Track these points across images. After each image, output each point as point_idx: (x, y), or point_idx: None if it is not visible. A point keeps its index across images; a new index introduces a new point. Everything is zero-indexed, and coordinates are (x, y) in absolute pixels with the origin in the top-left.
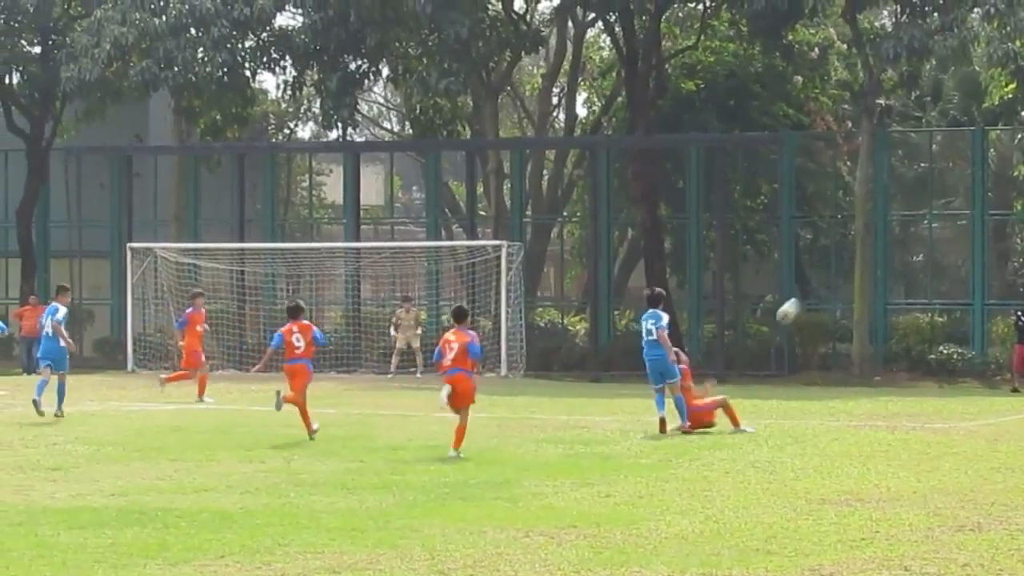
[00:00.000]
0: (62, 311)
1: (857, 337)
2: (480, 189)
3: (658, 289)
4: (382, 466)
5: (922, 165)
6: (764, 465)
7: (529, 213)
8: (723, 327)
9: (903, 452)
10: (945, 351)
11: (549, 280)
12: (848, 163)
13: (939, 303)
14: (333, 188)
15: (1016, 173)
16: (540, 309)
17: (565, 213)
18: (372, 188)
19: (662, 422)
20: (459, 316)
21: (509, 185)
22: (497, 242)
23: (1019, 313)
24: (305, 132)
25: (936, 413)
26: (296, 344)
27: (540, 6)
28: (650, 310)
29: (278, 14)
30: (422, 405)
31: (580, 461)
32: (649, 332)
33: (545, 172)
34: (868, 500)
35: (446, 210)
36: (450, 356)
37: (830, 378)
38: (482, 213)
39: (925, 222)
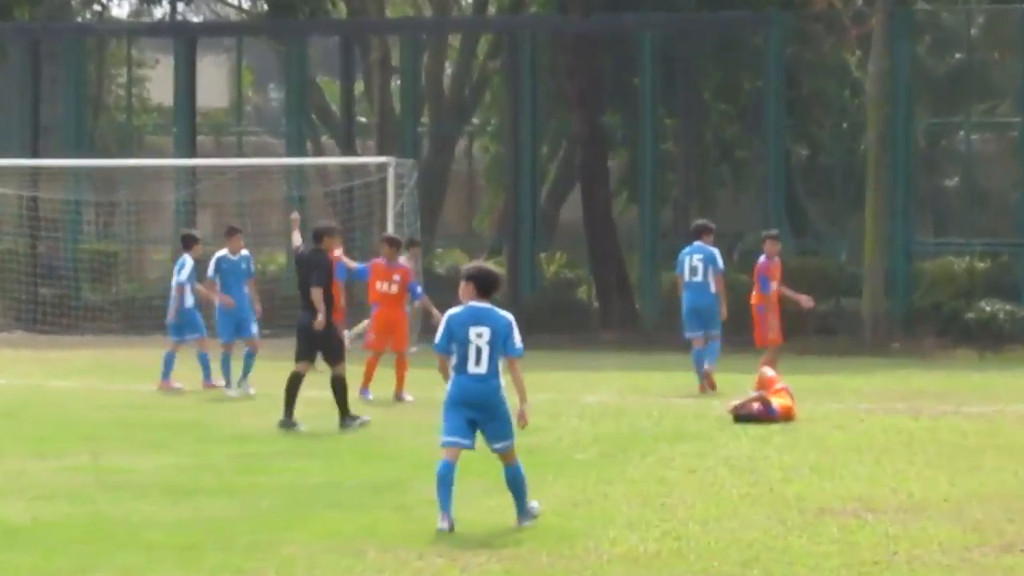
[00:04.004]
0: None
1: (869, 289)
2: (360, 88)
3: (703, 220)
4: (225, 463)
5: (957, 56)
6: (742, 462)
7: (426, 121)
8: None
9: (930, 445)
10: (988, 308)
11: (453, 212)
12: (857, 54)
13: (980, 243)
14: (160, 86)
15: None
16: (440, 251)
17: (475, 121)
18: (213, 86)
19: (707, 378)
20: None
21: (399, 83)
22: (383, 159)
23: None
24: (122, 9)
25: (975, 392)
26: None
27: None
28: (696, 243)
29: None
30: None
31: (493, 457)
32: (695, 270)
33: (448, 65)
34: (883, 510)
35: (313, 116)
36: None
37: (832, 345)
38: (362, 120)
39: (961, 133)
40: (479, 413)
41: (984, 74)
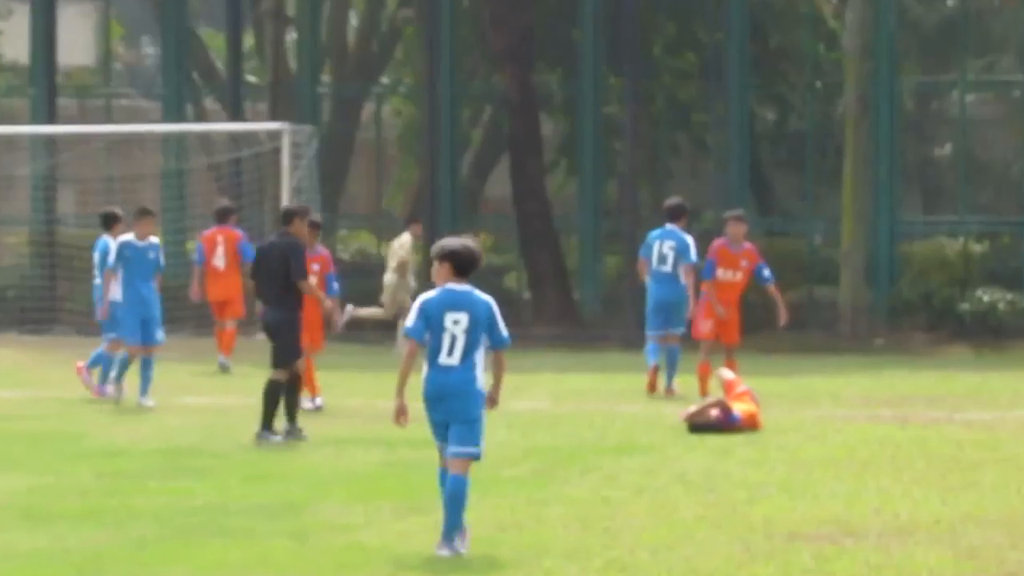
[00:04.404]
0: None
1: (847, 276)
2: (249, 43)
3: (678, 199)
4: (92, 483)
5: (950, 4)
6: (699, 479)
7: (327, 81)
8: (635, 263)
9: (919, 458)
10: (986, 298)
11: (359, 187)
12: (833, 1)
13: (976, 222)
14: (13, 41)
15: None
16: (345, 232)
17: (385, 81)
18: (77, 41)
19: (653, 374)
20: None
21: (295, 36)
22: (276, 125)
23: None
24: None
25: (971, 396)
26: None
27: None
28: (668, 226)
29: None
30: (170, 387)
31: (407, 473)
32: (664, 259)
33: (352, 16)
34: (864, 534)
35: (195, 76)
36: None
37: (805, 341)
38: (252, 80)
39: (954, 94)
40: (445, 410)
41: (981, 25)
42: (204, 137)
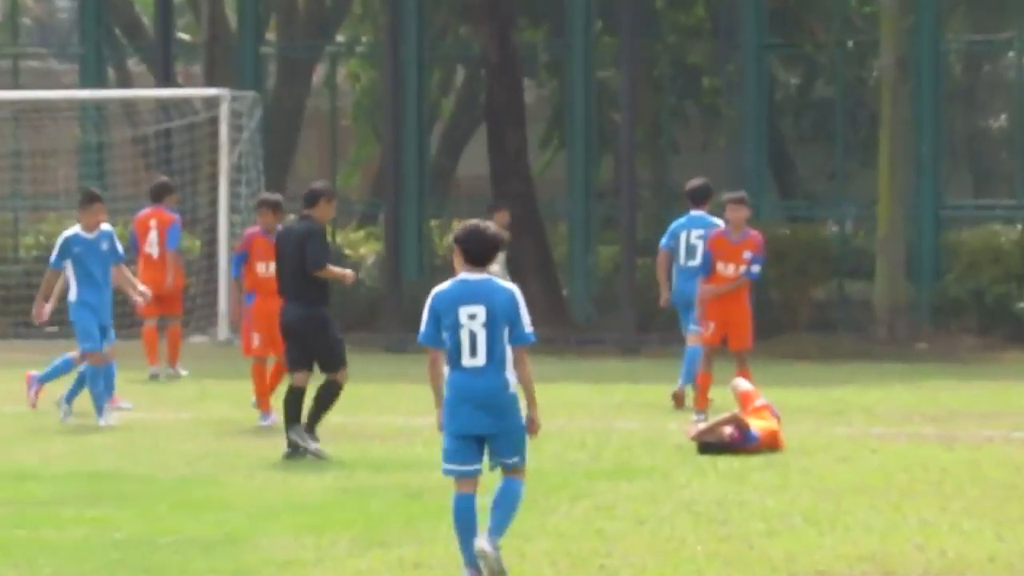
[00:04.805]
0: None
1: (884, 270)
2: None
3: (702, 180)
4: None
5: None
6: (710, 509)
7: (272, 39)
8: (634, 254)
9: (970, 484)
10: None
11: (310, 164)
12: None
13: None
14: None
15: None
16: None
17: (340, 40)
18: None
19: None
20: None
21: None
22: (213, 91)
23: None
24: None
25: None
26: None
27: None
28: (693, 212)
29: None
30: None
31: (367, 500)
32: (692, 251)
33: None
34: (904, 573)
35: (118, 33)
36: None
37: (835, 346)
38: (185, 39)
39: (1010, 55)
40: (478, 421)
41: None
42: (128, 105)
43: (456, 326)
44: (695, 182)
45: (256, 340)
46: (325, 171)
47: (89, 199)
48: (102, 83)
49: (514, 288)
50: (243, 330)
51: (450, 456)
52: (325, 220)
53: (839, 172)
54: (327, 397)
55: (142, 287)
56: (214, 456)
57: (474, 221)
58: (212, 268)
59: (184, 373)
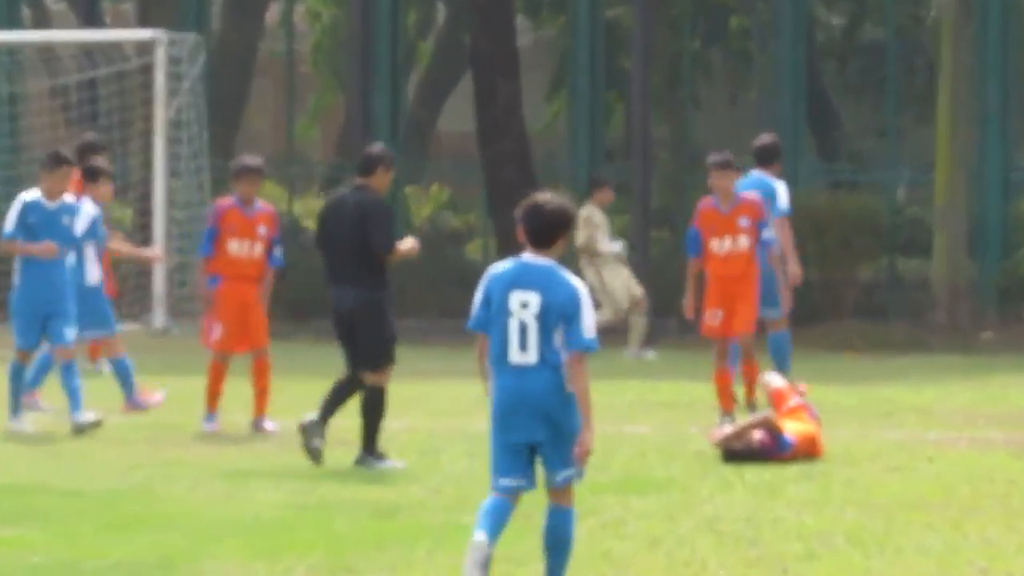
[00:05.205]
0: None
1: (943, 245)
2: None
3: (772, 137)
4: None
5: None
6: (737, 526)
7: None
8: (648, 225)
9: None
10: None
11: (263, 118)
12: None
13: None
14: None
15: None
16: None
17: None
18: None
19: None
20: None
21: None
22: (148, 33)
23: None
24: None
25: None
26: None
27: None
28: (754, 173)
29: None
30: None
31: (329, 518)
32: None
33: None
34: None
35: None
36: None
37: (885, 335)
38: None
39: None
40: (528, 426)
41: None
42: (46, 50)
43: (505, 313)
44: (764, 138)
45: (217, 332)
46: (280, 127)
47: (55, 161)
48: (15, 24)
49: (580, 285)
50: (205, 318)
51: (500, 469)
52: (383, 191)
53: (890, 129)
54: (375, 406)
55: (149, 251)
56: (149, 466)
57: (541, 194)
58: (146, 242)
59: (107, 370)
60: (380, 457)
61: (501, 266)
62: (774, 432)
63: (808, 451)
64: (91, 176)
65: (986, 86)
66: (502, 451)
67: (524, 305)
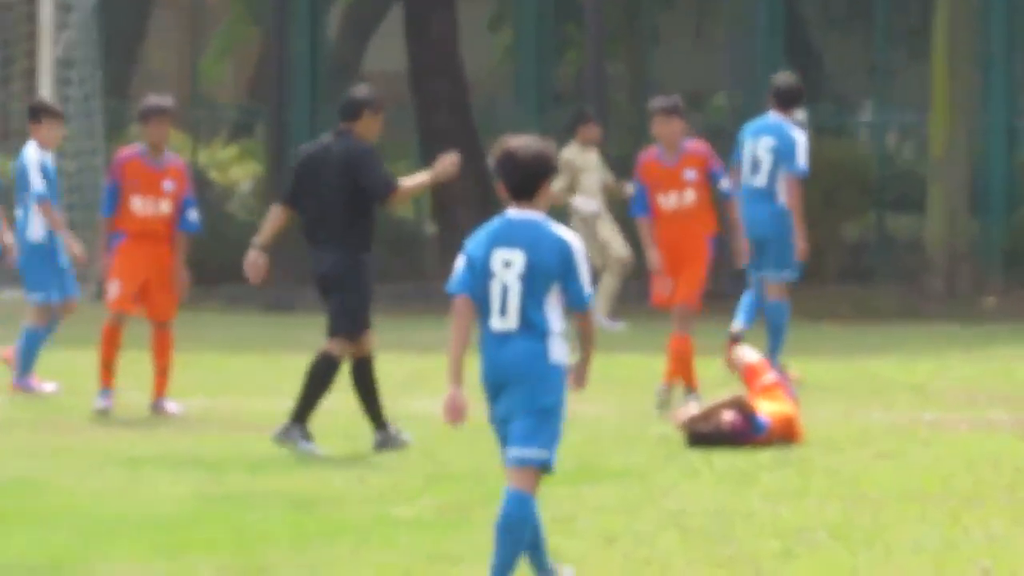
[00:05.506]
0: None
1: (940, 200)
2: None
3: (793, 79)
4: None
5: None
6: (705, 521)
7: None
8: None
9: None
10: None
11: (164, 57)
12: None
13: None
14: None
15: None
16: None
17: None
18: None
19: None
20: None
21: None
22: None
23: None
24: None
25: None
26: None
27: None
28: (771, 116)
29: None
30: None
31: (238, 512)
32: (757, 166)
33: None
34: None
35: None
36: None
37: (874, 302)
38: None
39: None
40: (505, 399)
41: None
42: None
43: (487, 275)
44: (783, 80)
45: (115, 289)
46: (183, 68)
47: (38, 113)
48: None
49: (569, 237)
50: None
51: (502, 444)
52: (371, 138)
53: (880, 68)
54: (321, 375)
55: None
56: (33, 453)
57: (514, 138)
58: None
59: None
60: (306, 436)
61: (486, 225)
62: (747, 413)
63: (785, 434)
64: None
65: (989, 18)
66: (493, 423)
67: (507, 264)
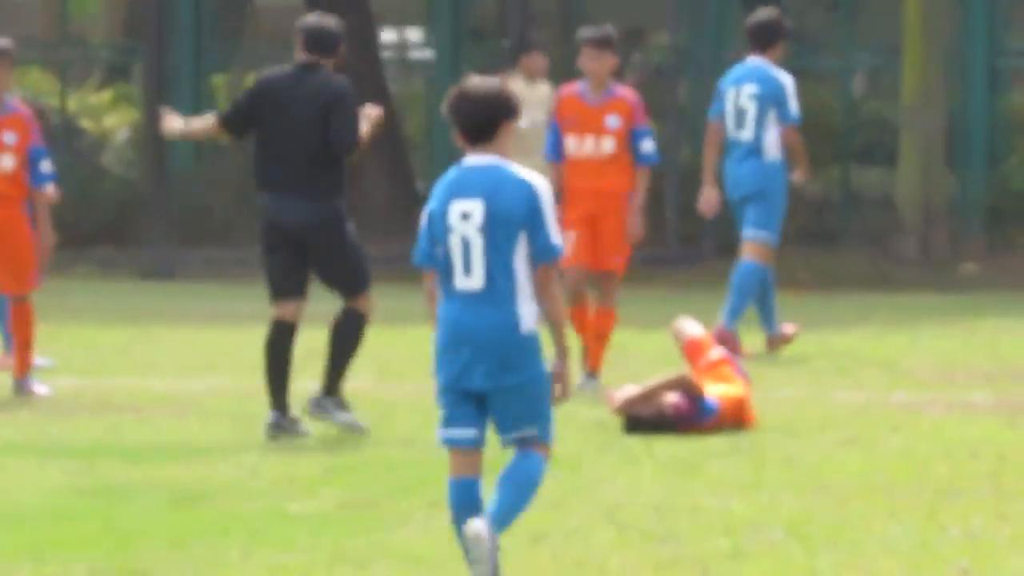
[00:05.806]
0: None
1: (912, 150)
2: None
3: (770, 13)
4: None
5: None
6: (644, 516)
7: None
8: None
9: None
10: None
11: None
12: None
13: None
14: None
15: None
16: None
17: None
18: None
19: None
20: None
21: None
22: None
23: None
24: None
25: None
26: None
27: None
28: (751, 59)
29: None
30: None
31: (116, 505)
32: (741, 117)
33: None
34: None
35: None
36: None
37: (837, 267)
38: None
39: None
40: (479, 368)
41: None
42: None
43: (446, 230)
44: (761, 15)
45: None
46: (50, 5)
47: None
48: None
49: (533, 180)
50: None
51: (445, 419)
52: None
53: (844, 2)
54: (350, 336)
55: None
56: None
57: (467, 79)
58: None
59: None
60: (343, 406)
61: (443, 176)
62: (692, 394)
63: (736, 418)
64: None
65: None
66: (443, 396)
67: (465, 216)
